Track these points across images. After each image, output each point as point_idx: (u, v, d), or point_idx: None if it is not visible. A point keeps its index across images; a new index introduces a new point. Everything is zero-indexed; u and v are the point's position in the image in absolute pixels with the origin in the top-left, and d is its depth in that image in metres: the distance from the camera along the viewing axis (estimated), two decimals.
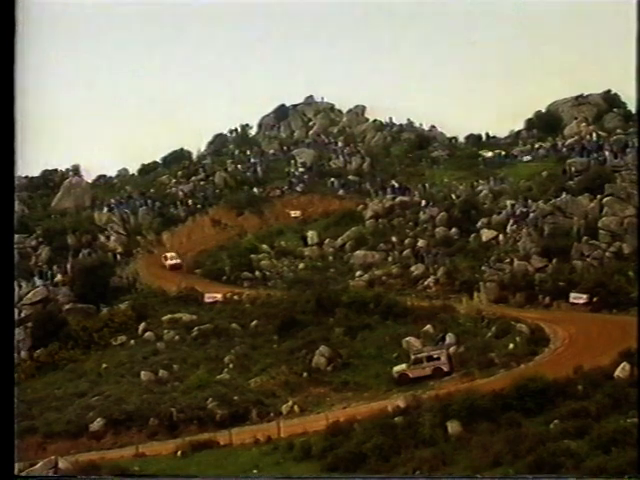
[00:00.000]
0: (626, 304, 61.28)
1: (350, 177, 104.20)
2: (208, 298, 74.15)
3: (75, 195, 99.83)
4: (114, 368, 64.34)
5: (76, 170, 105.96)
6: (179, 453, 48.36)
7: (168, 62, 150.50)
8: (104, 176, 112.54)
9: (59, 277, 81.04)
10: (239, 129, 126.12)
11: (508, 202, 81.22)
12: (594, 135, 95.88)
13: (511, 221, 77.30)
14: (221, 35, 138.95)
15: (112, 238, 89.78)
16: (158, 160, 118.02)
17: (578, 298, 63.54)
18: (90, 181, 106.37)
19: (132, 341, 69.08)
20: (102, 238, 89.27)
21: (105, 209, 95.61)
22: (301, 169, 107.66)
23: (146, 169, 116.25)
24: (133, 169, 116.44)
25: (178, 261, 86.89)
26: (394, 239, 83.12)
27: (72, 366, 65.99)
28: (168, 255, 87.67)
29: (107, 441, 53.47)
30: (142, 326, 70.47)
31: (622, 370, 45.66)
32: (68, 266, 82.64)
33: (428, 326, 62.97)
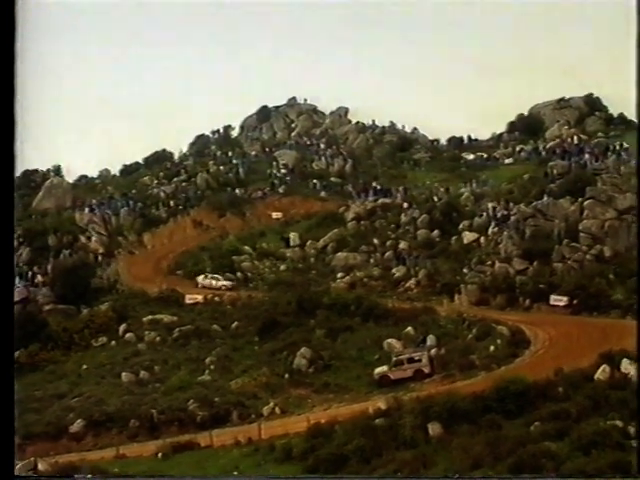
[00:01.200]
0: (606, 307, 61.65)
1: (332, 179, 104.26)
2: (189, 299, 74.01)
3: (56, 195, 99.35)
4: (94, 369, 64.10)
5: (57, 170, 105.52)
6: (160, 454, 48.26)
7: (150, 62, 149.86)
8: (85, 176, 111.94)
9: (39, 278, 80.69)
10: (221, 130, 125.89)
11: (489, 204, 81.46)
12: (575, 138, 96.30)
13: (492, 223, 77.53)
14: (203, 35, 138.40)
15: (93, 239, 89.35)
16: (140, 161, 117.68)
17: (559, 300, 63.82)
18: (71, 181, 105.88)
19: (113, 342, 68.85)
20: (83, 239, 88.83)
21: (86, 210, 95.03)
22: (283, 170, 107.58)
23: (128, 170, 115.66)
24: (115, 170, 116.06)
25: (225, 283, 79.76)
26: (376, 241, 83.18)
27: (52, 367, 65.62)
28: (222, 279, 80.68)
29: (87, 442, 53.23)
30: (123, 327, 70.24)
31: (602, 372, 45.91)
32: (48, 267, 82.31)
33: (409, 328, 63.01)
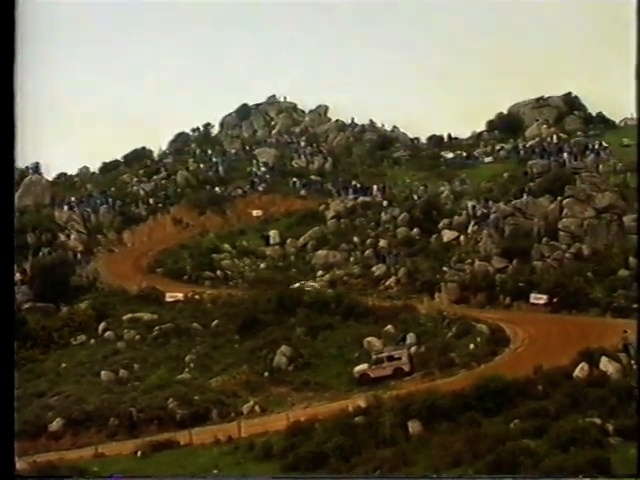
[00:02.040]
0: (585, 305, 61.97)
1: (312, 177, 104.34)
2: (169, 297, 73.78)
3: (35, 193, 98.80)
4: (74, 368, 63.73)
5: (36, 168, 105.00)
6: (139, 453, 48.06)
7: (131, 60, 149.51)
8: (65, 174, 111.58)
9: (18, 276, 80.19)
10: (201, 128, 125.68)
11: (469, 203, 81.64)
12: (554, 137, 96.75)
13: (472, 222, 77.70)
14: (184, 34, 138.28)
15: (72, 237, 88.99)
16: (119, 158, 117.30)
17: (538, 299, 64.01)
18: (50, 179, 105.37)
19: (92, 340, 68.51)
20: (62, 237, 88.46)
21: (65, 207, 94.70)
22: (263, 169, 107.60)
23: (107, 167, 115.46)
24: (94, 167, 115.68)
25: None
26: (356, 239, 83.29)
27: (31, 366, 65.15)
28: None
29: (66, 441, 52.90)
30: (102, 325, 69.93)
31: (581, 370, 46.11)
32: (27, 265, 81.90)
33: (389, 326, 63.11)
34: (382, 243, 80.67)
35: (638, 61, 18.80)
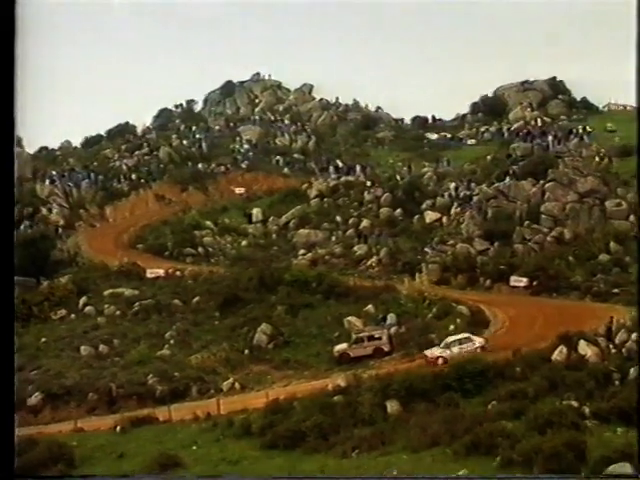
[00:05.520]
0: (565, 288, 62.32)
1: (295, 155, 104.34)
2: (150, 273, 73.62)
3: (16, 167, 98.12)
4: (53, 342, 63.49)
5: (18, 141, 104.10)
6: (118, 428, 48.11)
7: (117, 38, 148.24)
8: (46, 148, 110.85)
9: None
10: (185, 104, 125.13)
11: (452, 185, 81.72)
12: (538, 121, 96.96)
13: (455, 204, 77.81)
14: (170, 12, 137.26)
15: (54, 211, 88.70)
16: (102, 133, 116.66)
17: (518, 281, 64.27)
18: (32, 152, 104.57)
19: (72, 315, 68.27)
20: (44, 210, 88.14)
21: (47, 181, 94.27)
22: (246, 146, 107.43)
23: (90, 142, 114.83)
24: (76, 142, 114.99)
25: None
26: (338, 219, 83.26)
27: None
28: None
29: (45, 416, 52.93)
30: (83, 300, 69.68)
31: (559, 353, 46.42)
32: None
33: (370, 306, 63.20)
34: (364, 223, 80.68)
35: (638, 61, 18.80)
